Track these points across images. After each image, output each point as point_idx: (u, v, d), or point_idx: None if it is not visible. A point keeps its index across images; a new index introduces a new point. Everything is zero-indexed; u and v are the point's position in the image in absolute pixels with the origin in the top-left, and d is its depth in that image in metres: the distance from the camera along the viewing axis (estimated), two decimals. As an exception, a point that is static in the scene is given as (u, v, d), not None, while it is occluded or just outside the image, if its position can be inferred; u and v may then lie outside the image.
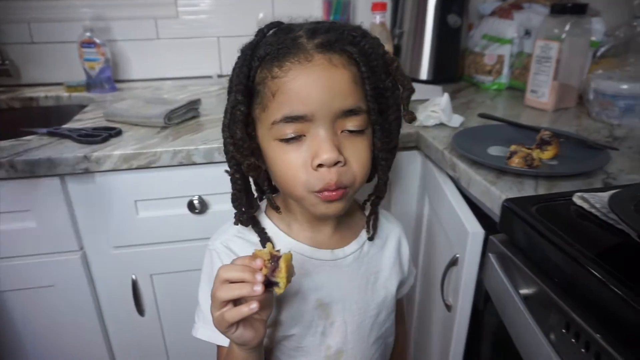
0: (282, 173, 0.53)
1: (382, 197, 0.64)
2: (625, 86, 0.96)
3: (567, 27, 1.04)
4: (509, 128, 0.92)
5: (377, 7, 1.10)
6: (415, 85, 1.38)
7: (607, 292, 0.43)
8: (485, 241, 0.70)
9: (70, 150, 0.86)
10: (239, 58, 0.54)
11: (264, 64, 0.52)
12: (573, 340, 0.47)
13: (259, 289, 0.45)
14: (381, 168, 0.59)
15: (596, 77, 1.02)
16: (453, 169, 0.81)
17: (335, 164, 0.51)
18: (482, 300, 0.75)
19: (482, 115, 0.99)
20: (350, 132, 0.52)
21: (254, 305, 0.45)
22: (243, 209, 0.59)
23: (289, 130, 0.51)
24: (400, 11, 1.42)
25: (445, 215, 0.83)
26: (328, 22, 0.55)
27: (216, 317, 0.48)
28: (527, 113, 1.10)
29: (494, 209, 0.68)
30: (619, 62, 1.07)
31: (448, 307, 0.79)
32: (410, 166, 1.01)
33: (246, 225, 0.61)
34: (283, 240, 0.61)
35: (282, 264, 0.46)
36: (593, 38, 1.12)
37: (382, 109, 0.56)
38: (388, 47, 1.08)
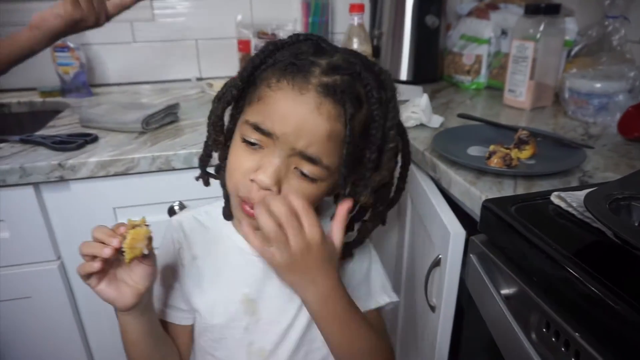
0: (230, 165, 0.56)
1: (361, 241, 0.65)
2: (598, 85, 0.99)
3: (542, 27, 1.06)
4: (488, 128, 0.93)
5: (355, 9, 1.10)
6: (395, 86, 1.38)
7: (585, 290, 0.43)
8: (467, 241, 0.70)
9: (44, 158, 0.83)
10: (264, 46, 0.55)
11: (272, 67, 0.53)
12: (553, 339, 0.48)
13: (107, 251, 0.48)
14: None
15: (571, 76, 1.04)
16: (433, 169, 0.82)
17: (267, 189, 0.52)
18: (466, 300, 0.75)
19: (461, 116, 1.00)
20: (302, 173, 0.52)
21: (96, 264, 0.49)
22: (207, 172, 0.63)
23: (253, 136, 0.52)
24: (378, 12, 1.42)
25: (427, 216, 0.84)
26: (362, 61, 0.53)
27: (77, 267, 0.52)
28: (506, 112, 1.11)
29: (475, 209, 0.68)
30: (592, 61, 1.10)
31: (432, 308, 0.79)
32: (392, 167, 1.01)
33: (206, 185, 0.63)
34: (229, 229, 0.63)
35: (128, 235, 0.50)
36: (567, 37, 1.14)
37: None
38: (366, 49, 1.08)
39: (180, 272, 0.64)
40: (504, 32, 1.29)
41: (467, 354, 0.76)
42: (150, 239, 0.52)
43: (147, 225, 0.52)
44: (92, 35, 1.36)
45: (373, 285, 0.67)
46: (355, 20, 1.07)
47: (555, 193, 0.60)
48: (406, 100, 1.07)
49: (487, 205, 0.61)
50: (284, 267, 0.50)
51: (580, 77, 1.02)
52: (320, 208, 0.65)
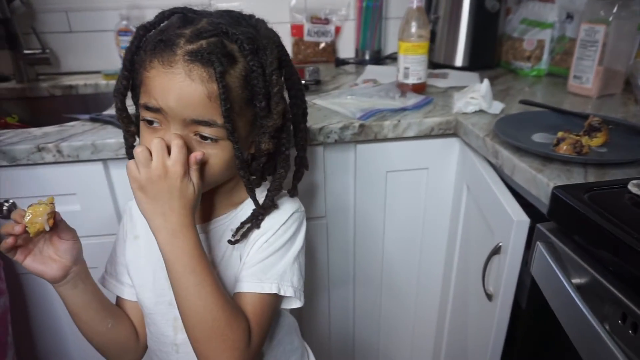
0: None
1: (277, 188, 0.63)
2: (677, 71, 0.92)
3: (615, 10, 1.00)
4: (552, 115, 0.89)
5: (414, -8, 1.08)
6: (450, 72, 1.36)
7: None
8: (529, 230, 0.68)
9: (113, 136, 0.88)
10: (135, 31, 0.57)
11: (144, 50, 0.55)
12: (630, 332, 0.46)
13: (17, 229, 0.54)
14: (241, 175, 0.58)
15: (645, 61, 0.98)
16: (495, 156, 0.80)
17: None
18: (524, 289, 0.74)
19: (523, 102, 0.97)
20: (203, 137, 0.54)
21: (9, 240, 0.55)
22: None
23: (148, 115, 0.54)
24: (435, -4, 1.39)
25: (486, 204, 0.82)
26: (231, 18, 0.55)
27: None
28: (570, 99, 1.06)
29: (541, 197, 0.66)
30: (670, 46, 1.02)
31: (489, 296, 0.78)
32: (447, 154, 1.00)
33: None
34: None
35: (27, 211, 0.55)
36: (641, 21, 1.07)
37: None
38: (425, 33, 1.06)
39: (125, 251, 0.69)
40: (569, 16, 1.23)
41: (524, 342, 0.74)
42: (51, 214, 0.56)
43: (52, 204, 0.56)
44: (152, 20, 1.41)
45: (266, 264, 0.61)
46: (415, 2, 1.05)
47: (634, 181, 0.57)
48: (464, 87, 1.05)
49: (557, 192, 0.59)
50: (140, 187, 0.53)
51: (655, 63, 0.96)
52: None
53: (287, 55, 0.60)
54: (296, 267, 0.63)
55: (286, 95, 0.61)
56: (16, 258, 0.58)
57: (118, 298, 0.72)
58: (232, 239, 0.62)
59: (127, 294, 0.71)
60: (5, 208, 0.87)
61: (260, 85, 0.53)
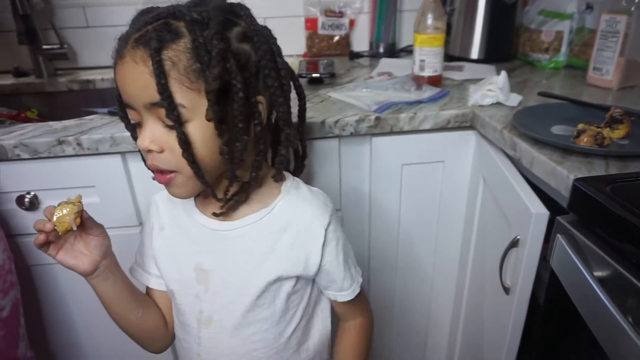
0: None
1: (245, 185, 0.62)
2: (701, 62, 0.90)
3: (637, 0, 0.98)
4: (572, 107, 0.88)
5: (431, -17, 1.06)
6: (465, 64, 1.34)
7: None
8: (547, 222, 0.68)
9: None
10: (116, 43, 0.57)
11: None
12: (654, 324, 0.45)
13: (48, 226, 0.56)
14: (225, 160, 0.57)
15: (668, 52, 0.96)
16: (513, 148, 0.79)
17: (149, 151, 0.55)
18: (541, 284, 0.73)
19: (542, 94, 0.96)
20: (167, 124, 0.53)
21: (41, 237, 0.58)
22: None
23: (130, 116, 0.57)
24: (451, -13, 1.37)
25: (503, 197, 0.81)
26: (176, 9, 0.53)
27: None
28: (589, 91, 1.04)
29: (561, 189, 0.65)
30: (694, 36, 1.00)
31: (506, 290, 0.77)
32: (463, 146, 0.99)
33: None
34: (192, 206, 0.68)
35: (56, 209, 0.57)
36: (665, 11, 1.04)
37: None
38: (441, 25, 1.05)
39: (153, 243, 0.70)
40: (589, 7, 1.20)
41: (541, 336, 0.74)
42: (79, 213, 0.58)
43: (80, 203, 0.58)
44: (168, 15, 1.42)
45: (305, 254, 0.65)
46: (431, -6, 1.04)
47: (658, 173, 0.56)
48: (480, 79, 1.04)
49: (579, 185, 0.58)
50: None
51: (679, 54, 0.94)
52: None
53: (259, 31, 0.57)
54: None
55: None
56: (49, 253, 0.61)
57: (147, 287, 0.74)
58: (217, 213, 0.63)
59: (154, 284, 0.73)
60: (27, 200, 0.89)
61: (203, 53, 0.51)
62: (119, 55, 0.53)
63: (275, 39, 0.61)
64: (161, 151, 0.55)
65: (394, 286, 1.14)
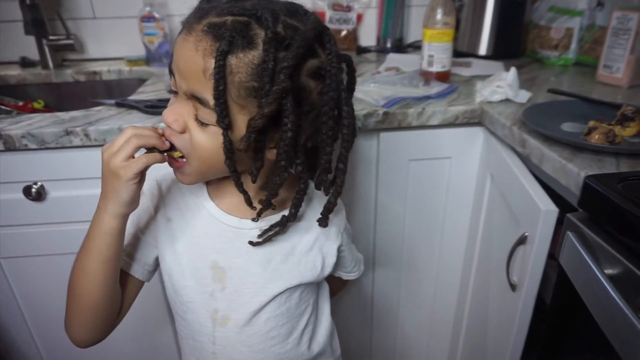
0: None
1: (301, 194, 0.59)
2: None
3: (650, -4, 0.97)
4: (582, 104, 0.87)
5: (440, -23, 1.06)
6: (474, 60, 1.33)
7: None
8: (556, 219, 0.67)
9: (138, 120, 0.89)
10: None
11: None
12: (666, 323, 0.45)
13: (167, 143, 0.54)
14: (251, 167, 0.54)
15: (680, 50, 0.95)
16: (522, 145, 0.78)
17: (169, 126, 0.53)
18: (548, 284, 0.73)
19: (552, 91, 0.95)
20: (199, 121, 0.52)
21: (160, 157, 0.54)
22: None
23: (172, 82, 0.54)
24: (460, -18, 1.36)
25: (512, 193, 0.81)
26: (278, 8, 0.49)
27: (127, 163, 0.52)
28: (599, 89, 1.04)
29: (570, 186, 0.65)
30: None
31: (513, 287, 0.77)
32: (471, 143, 0.98)
33: None
34: (205, 196, 0.64)
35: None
36: (677, 8, 1.03)
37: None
38: (451, 20, 1.04)
39: (155, 231, 0.65)
40: (600, 3, 1.19)
41: (547, 334, 0.74)
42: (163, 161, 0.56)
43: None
44: (174, 7, 1.41)
45: (322, 252, 0.68)
46: (440, -11, 1.03)
47: (671, 171, 0.55)
48: (488, 75, 1.03)
49: (590, 182, 0.58)
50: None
51: (691, 52, 0.93)
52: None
53: (335, 74, 0.51)
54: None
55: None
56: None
57: (121, 272, 0.64)
58: (280, 231, 0.61)
59: (139, 273, 0.66)
60: (34, 190, 0.89)
61: (267, 79, 0.47)
62: (188, 27, 0.50)
63: (354, 79, 0.58)
64: (182, 132, 0.53)
65: (399, 281, 1.13)
